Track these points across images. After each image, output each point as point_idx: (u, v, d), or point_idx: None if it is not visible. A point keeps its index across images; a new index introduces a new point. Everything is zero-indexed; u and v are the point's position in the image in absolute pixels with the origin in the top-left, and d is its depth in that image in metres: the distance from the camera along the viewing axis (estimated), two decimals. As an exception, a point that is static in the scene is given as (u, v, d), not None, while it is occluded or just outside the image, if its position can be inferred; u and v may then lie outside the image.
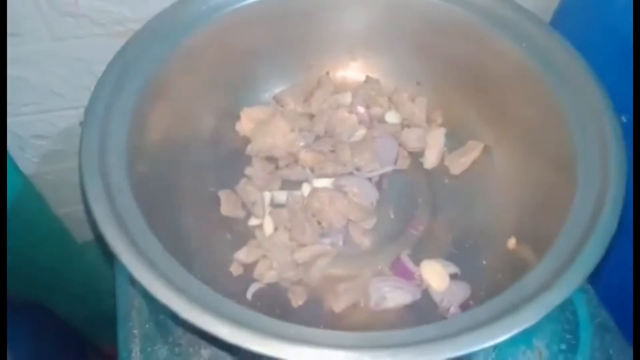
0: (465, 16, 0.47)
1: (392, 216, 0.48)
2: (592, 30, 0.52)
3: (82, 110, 0.56)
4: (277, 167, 0.50)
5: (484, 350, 0.33)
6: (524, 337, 0.45)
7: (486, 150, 0.50)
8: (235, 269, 0.44)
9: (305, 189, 0.48)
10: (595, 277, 0.36)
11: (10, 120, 0.55)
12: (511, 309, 0.32)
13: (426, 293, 0.44)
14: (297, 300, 0.43)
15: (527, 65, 0.45)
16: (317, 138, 0.51)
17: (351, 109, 0.52)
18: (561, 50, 0.44)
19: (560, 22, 0.56)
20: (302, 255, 0.45)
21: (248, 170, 0.48)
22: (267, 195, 0.48)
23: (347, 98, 0.53)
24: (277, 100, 0.52)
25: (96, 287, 0.71)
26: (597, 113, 0.41)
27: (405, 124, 0.53)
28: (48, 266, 0.71)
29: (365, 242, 0.47)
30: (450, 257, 0.45)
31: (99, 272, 0.72)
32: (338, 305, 0.42)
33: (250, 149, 0.50)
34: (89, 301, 0.75)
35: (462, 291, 0.43)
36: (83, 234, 0.73)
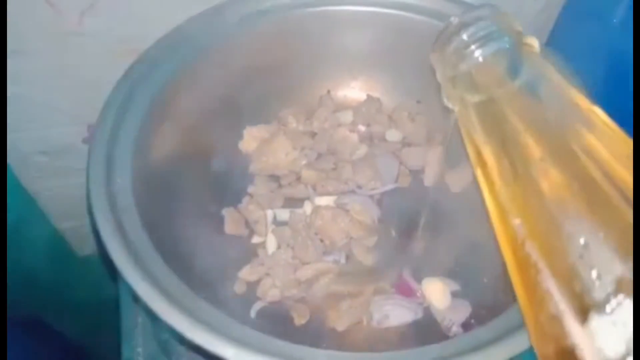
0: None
1: (393, 234, 0.49)
2: (589, 48, 0.53)
3: (84, 127, 0.58)
4: (280, 185, 0.50)
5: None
6: (527, 357, 0.45)
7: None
8: (239, 287, 0.44)
9: (308, 206, 0.49)
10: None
11: (13, 136, 0.55)
12: (514, 329, 0.33)
13: (428, 311, 0.44)
14: (300, 318, 0.43)
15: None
16: (319, 156, 0.52)
17: (352, 127, 0.53)
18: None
19: (555, 41, 0.57)
20: (304, 273, 0.45)
21: (251, 189, 0.49)
22: (269, 213, 0.48)
23: (349, 116, 0.54)
24: (279, 119, 0.53)
25: (97, 302, 0.71)
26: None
27: (405, 142, 0.53)
28: (48, 280, 0.71)
29: (368, 259, 0.47)
30: (451, 275, 0.46)
31: (100, 287, 0.72)
32: (341, 324, 0.42)
33: (253, 168, 0.50)
34: (90, 316, 0.74)
35: (463, 309, 0.43)
36: (84, 249, 0.73)
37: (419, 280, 0.45)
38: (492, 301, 0.42)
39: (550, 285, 0.23)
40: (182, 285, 0.34)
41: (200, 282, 0.39)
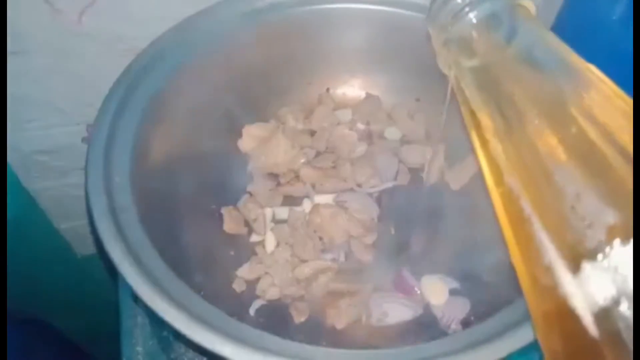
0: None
1: (392, 231, 0.49)
2: (588, 46, 0.52)
3: (84, 126, 0.58)
4: (279, 184, 0.50)
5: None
6: (526, 354, 0.45)
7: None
8: (238, 286, 0.45)
9: (307, 205, 0.49)
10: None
11: (13, 136, 0.55)
12: (512, 326, 0.33)
13: (427, 309, 0.44)
14: (300, 316, 0.43)
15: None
16: (318, 154, 0.52)
17: (351, 125, 0.53)
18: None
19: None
20: (303, 271, 0.45)
21: (250, 187, 0.49)
22: (268, 211, 0.48)
23: (348, 115, 0.54)
24: (278, 117, 0.53)
25: (97, 301, 0.71)
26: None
27: (405, 140, 0.53)
28: (48, 280, 0.71)
29: (366, 257, 0.47)
30: (450, 273, 0.46)
31: (99, 286, 0.72)
32: (340, 321, 0.42)
33: (252, 166, 0.50)
34: (89, 316, 0.75)
35: (462, 307, 0.43)
36: (84, 249, 0.73)
37: (418, 278, 0.45)
38: (490, 298, 0.42)
39: (543, 237, 0.23)
40: (181, 284, 0.34)
41: (199, 280, 0.39)
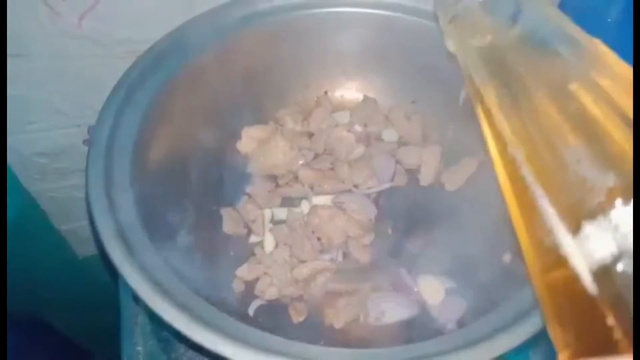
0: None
1: (390, 232, 0.49)
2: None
3: (85, 128, 0.58)
4: (278, 185, 0.51)
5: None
6: (521, 352, 0.46)
7: (482, 166, 0.51)
8: (237, 286, 0.45)
9: (305, 206, 0.49)
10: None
11: (14, 137, 0.56)
12: (507, 325, 0.33)
13: (424, 308, 0.45)
14: (298, 316, 0.44)
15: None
16: (316, 156, 0.52)
17: (349, 127, 0.53)
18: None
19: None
20: (302, 271, 0.45)
21: (249, 189, 0.49)
22: (267, 212, 0.49)
23: (345, 117, 0.54)
24: (277, 119, 0.54)
25: (97, 302, 0.72)
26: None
27: (401, 142, 0.54)
28: (49, 281, 0.71)
29: (364, 257, 0.48)
30: (447, 273, 0.46)
31: (100, 287, 0.72)
32: (338, 321, 0.43)
33: (251, 168, 0.51)
34: (89, 316, 0.75)
35: (458, 306, 0.44)
36: (85, 250, 0.74)
37: (415, 277, 0.46)
38: (486, 298, 0.43)
39: (545, 203, 0.24)
40: (180, 285, 0.35)
41: (198, 280, 0.40)
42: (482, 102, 0.30)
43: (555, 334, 0.23)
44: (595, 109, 0.25)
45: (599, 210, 0.22)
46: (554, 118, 0.26)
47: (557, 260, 0.23)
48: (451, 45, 0.35)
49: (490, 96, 0.30)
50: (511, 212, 0.27)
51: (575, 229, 0.22)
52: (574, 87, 0.26)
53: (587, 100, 0.26)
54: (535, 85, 0.28)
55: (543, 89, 0.27)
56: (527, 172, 0.26)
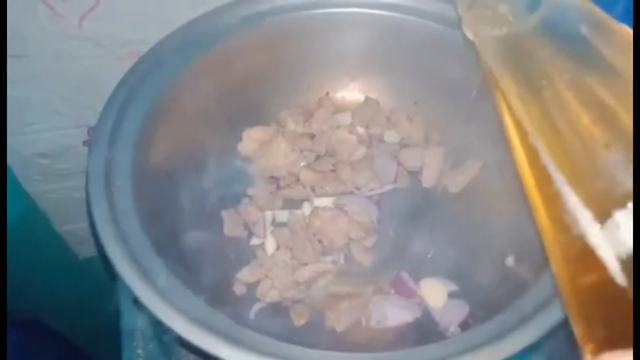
0: (458, 37, 0.48)
1: (392, 234, 0.49)
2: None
3: (85, 129, 0.58)
4: (279, 187, 0.51)
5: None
6: (524, 356, 0.45)
7: (484, 168, 0.51)
8: (239, 289, 0.45)
9: (307, 207, 0.49)
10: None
11: (14, 139, 0.55)
12: (510, 329, 0.33)
13: (427, 311, 0.44)
14: (300, 319, 0.43)
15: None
16: (318, 158, 0.52)
17: (351, 129, 0.53)
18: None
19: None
20: (303, 274, 0.45)
21: (250, 191, 0.49)
22: (268, 214, 0.49)
23: (347, 118, 0.54)
24: (278, 121, 0.53)
25: (98, 303, 0.71)
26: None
27: (403, 143, 0.54)
28: (49, 282, 0.71)
29: (366, 260, 0.47)
30: (449, 275, 0.46)
31: (100, 288, 0.72)
32: (340, 324, 0.43)
33: (252, 169, 0.51)
34: (90, 318, 0.75)
35: (460, 309, 0.43)
36: (85, 251, 0.73)
37: (417, 280, 0.45)
38: (489, 301, 0.43)
39: (568, 192, 0.23)
40: (181, 287, 0.35)
41: (199, 283, 0.39)
42: (501, 91, 0.29)
43: (579, 326, 0.22)
44: (617, 90, 0.24)
45: (629, 199, 0.21)
46: (578, 106, 0.26)
47: (582, 250, 0.22)
48: (469, 34, 0.34)
49: (510, 85, 0.29)
50: (532, 203, 0.26)
51: (602, 217, 0.22)
52: (599, 73, 0.26)
53: (613, 86, 0.25)
54: (557, 73, 0.27)
55: (565, 76, 0.27)
56: (549, 161, 0.25)
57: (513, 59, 0.30)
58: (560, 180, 0.24)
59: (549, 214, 0.25)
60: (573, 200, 0.23)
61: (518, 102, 0.28)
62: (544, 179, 0.25)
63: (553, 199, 0.24)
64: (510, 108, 0.29)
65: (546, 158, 0.25)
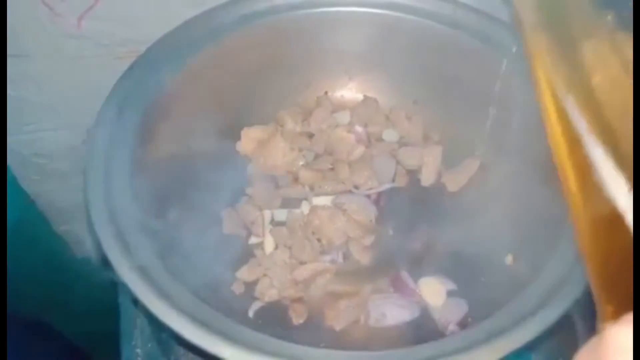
0: (456, 36, 0.49)
1: (390, 233, 0.49)
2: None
3: (84, 129, 0.58)
4: (278, 186, 0.51)
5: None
6: (522, 354, 0.45)
7: (483, 167, 0.51)
8: (237, 288, 0.45)
9: (305, 206, 0.49)
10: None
11: (12, 138, 0.55)
12: (509, 327, 0.33)
13: (425, 310, 0.44)
14: (298, 318, 0.43)
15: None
16: (317, 157, 0.52)
17: (349, 128, 0.53)
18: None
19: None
20: (302, 272, 0.45)
21: (249, 190, 0.49)
22: (267, 213, 0.49)
23: (346, 117, 0.54)
24: (277, 120, 0.53)
25: (97, 303, 0.71)
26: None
27: (402, 142, 0.54)
28: (48, 282, 0.71)
29: (365, 258, 0.47)
30: (448, 274, 0.46)
31: (99, 288, 0.72)
32: (338, 323, 0.43)
33: (251, 168, 0.51)
34: (88, 317, 0.75)
35: (459, 308, 0.43)
36: (84, 251, 0.73)
37: (416, 279, 0.45)
38: (488, 300, 0.43)
39: (599, 153, 0.23)
40: (180, 286, 0.35)
41: (198, 282, 0.39)
42: (534, 49, 0.29)
43: (601, 292, 0.22)
44: None
45: None
46: (616, 62, 0.25)
47: (610, 213, 0.22)
48: (517, 25, 0.34)
49: (541, 42, 0.29)
50: (560, 164, 0.26)
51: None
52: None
53: None
54: (595, 31, 0.27)
55: (604, 35, 0.26)
56: (580, 121, 0.25)
57: (547, 14, 0.30)
58: (591, 142, 0.24)
59: (577, 175, 0.25)
60: (605, 163, 0.23)
61: (549, 60, 0.28)
62: (575, 140, 0.25)
63: (583, 163, 0.24)
64: (542, 66, 0.28)
65: (577, 117, 0.25)
